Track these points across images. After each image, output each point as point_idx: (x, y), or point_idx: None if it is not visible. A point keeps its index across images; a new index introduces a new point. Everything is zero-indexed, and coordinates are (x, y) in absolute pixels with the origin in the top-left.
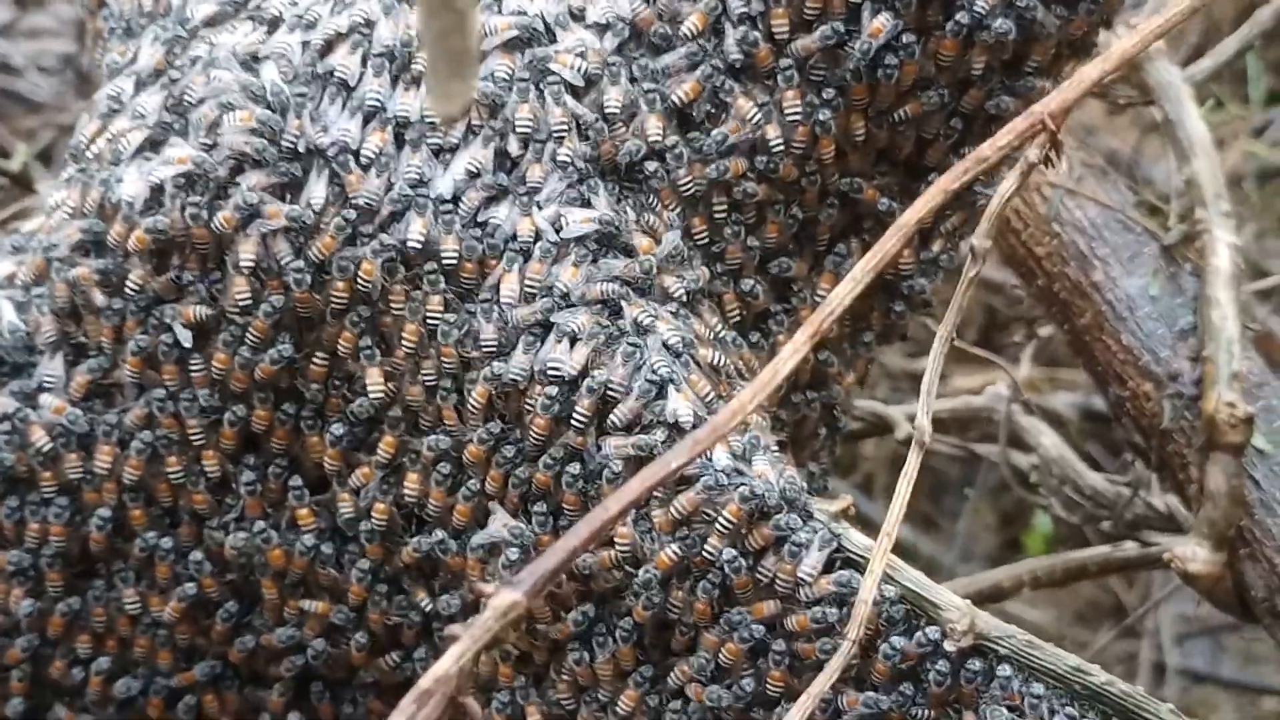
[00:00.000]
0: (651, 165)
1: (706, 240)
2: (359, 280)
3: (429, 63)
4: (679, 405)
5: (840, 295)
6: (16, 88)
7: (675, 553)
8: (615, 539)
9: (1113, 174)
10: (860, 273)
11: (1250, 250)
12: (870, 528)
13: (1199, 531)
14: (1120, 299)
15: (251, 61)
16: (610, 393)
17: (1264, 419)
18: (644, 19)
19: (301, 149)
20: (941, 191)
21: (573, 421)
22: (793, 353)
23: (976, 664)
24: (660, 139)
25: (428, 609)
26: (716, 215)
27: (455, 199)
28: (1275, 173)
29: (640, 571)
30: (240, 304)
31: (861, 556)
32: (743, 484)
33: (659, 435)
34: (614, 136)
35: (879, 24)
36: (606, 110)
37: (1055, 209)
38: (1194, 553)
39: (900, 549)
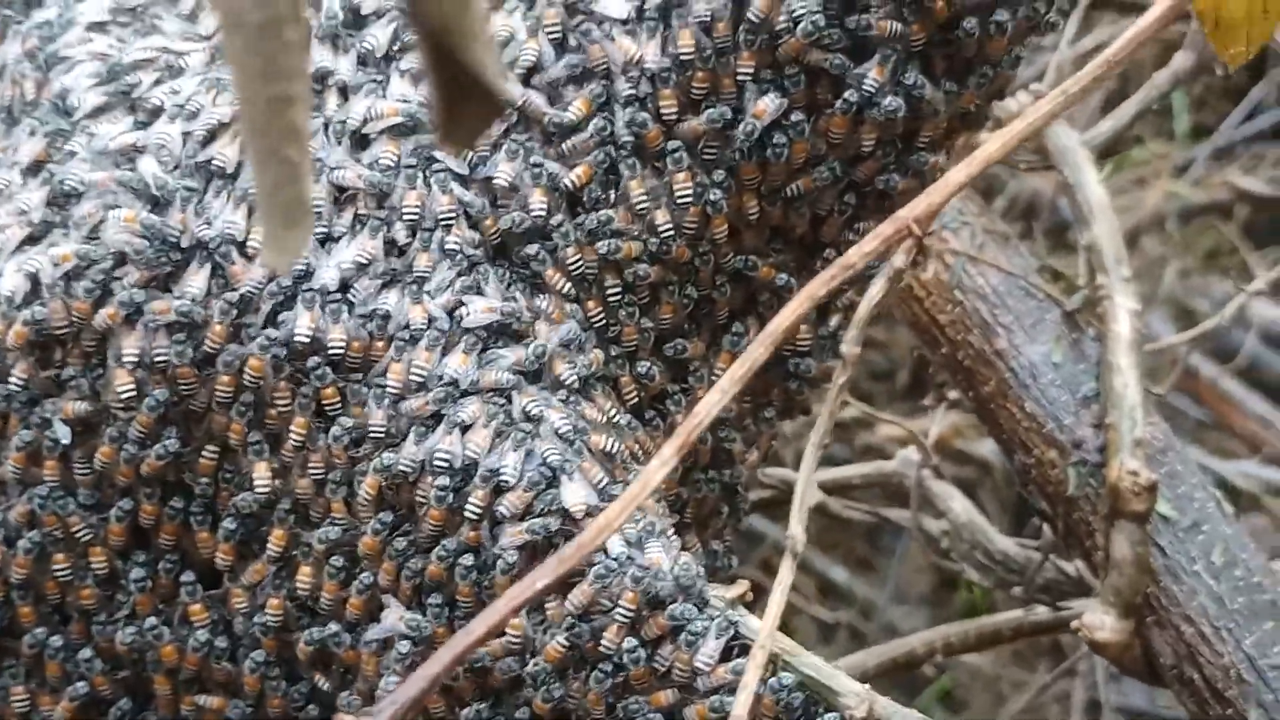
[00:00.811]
0: (534, 248)
1: (601, 323)
2: (246, 376)
3: (262, 213)
4: (571, 495)
5: (709, 406)
6: None
7: (563, 645)
8: (508, 630)
9: (1014, 240)
10: (728, 383)
11: (1175, 290)
12: (809, 571)
13: (1105, 599)
14: (1023, 366)
15: (131, 153)
16: (502, 481)
17: (1168, 485)
18: (533, 109)
19: (185, 244)
20: (809, 298)
21: (466, 514)
22: (661, 465)
23: None
24: (544, 215)
25: (325, 688)
26: (610, 298)
27: (342, 289)
28: (1198, 211)
29: (530, 663)
30: (123, 399)
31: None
32: (634, 569)
33: (553, 522)
34: (498, 213)
35: (763, 106)
36: (495, 182)
37: (957, 276)
38: (1101, 621)
39: (836, 591)
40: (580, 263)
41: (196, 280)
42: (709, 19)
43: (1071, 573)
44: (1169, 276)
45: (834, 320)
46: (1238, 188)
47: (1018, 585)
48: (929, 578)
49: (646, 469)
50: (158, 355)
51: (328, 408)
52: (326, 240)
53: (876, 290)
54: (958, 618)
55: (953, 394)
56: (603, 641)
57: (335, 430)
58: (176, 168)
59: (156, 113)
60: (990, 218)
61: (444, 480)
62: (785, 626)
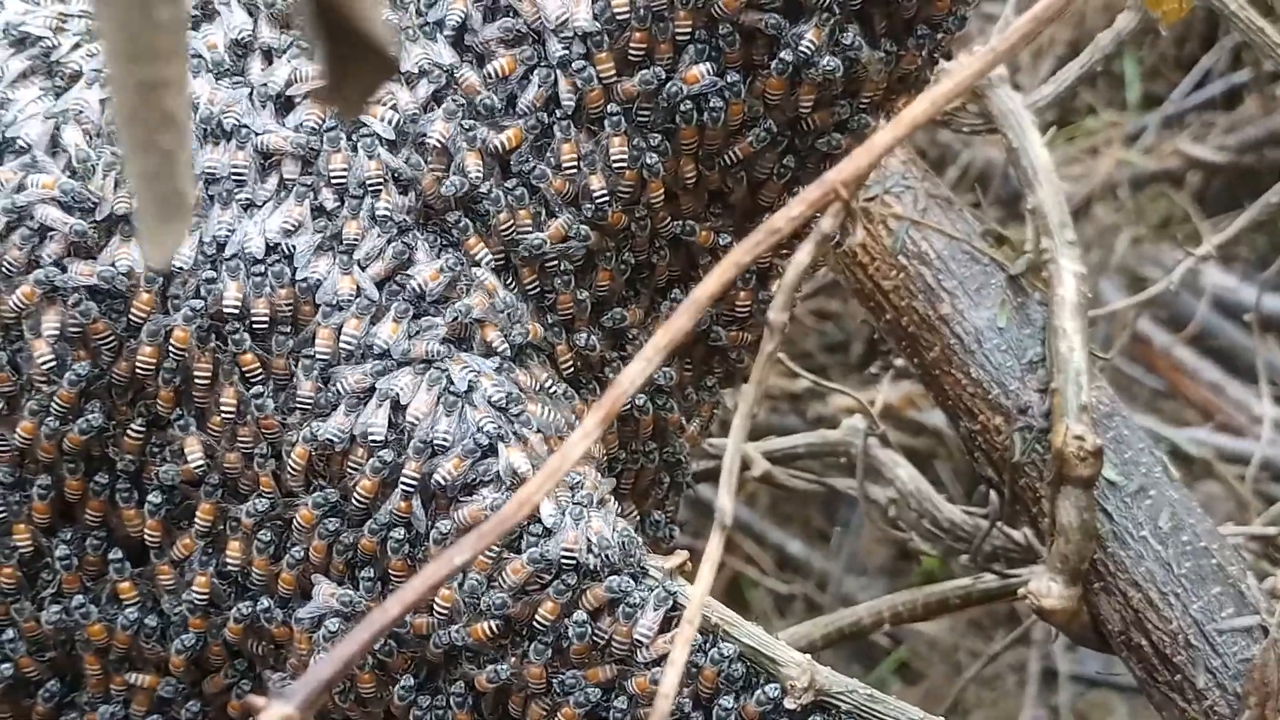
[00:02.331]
0: (454, 215)
1: (537, 291)
2: (171, 348)
3: (137, 204)
4: (515, 459)
5: (632, 375)
6: None
7: (492, 629)
8: (436, 600)
9: (958, 204)
10: (652, 351)
11: (1128, 258)
12: (765, 544)
13: (1052, 566)
14: (968, 331)
15: (52, 120)
16: (438, 446)
17: (1114, 450)
18: (467, 83)
19: (100, 216)
20: (734, 265)
21: (401, 485)
22: (583, 437)
23: None
24: (480, 178)
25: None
26: (547, 264)
27: (269, 258)
28: (1150, 179)
29: (453, 635)
30: (44, 369)
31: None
32: (575, 546)
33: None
34: (433, 170)
35: (696, 73)
36: (428, 141)
37: (900, 241)
38: (1048, 587)
39: (792, 563)
40: (512, 229)
41: (127, 251)
42: None
43: (1020, 540)
44: (1121, 245)
45: (774, 286)
46: (1188, 155)
47: (965, 553)
48: (887, 549)
49: (568, 440)
50: (74, 321)
51: (248, 375)
52: (250, 206)
53: (803, 255)
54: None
55: (899, 361)
56: (540, 614)
57: (257, 400)
58: (98, 135)
59: (74, 79)
60: (934, 182)
61: (386, 454)
62: (740, 599)
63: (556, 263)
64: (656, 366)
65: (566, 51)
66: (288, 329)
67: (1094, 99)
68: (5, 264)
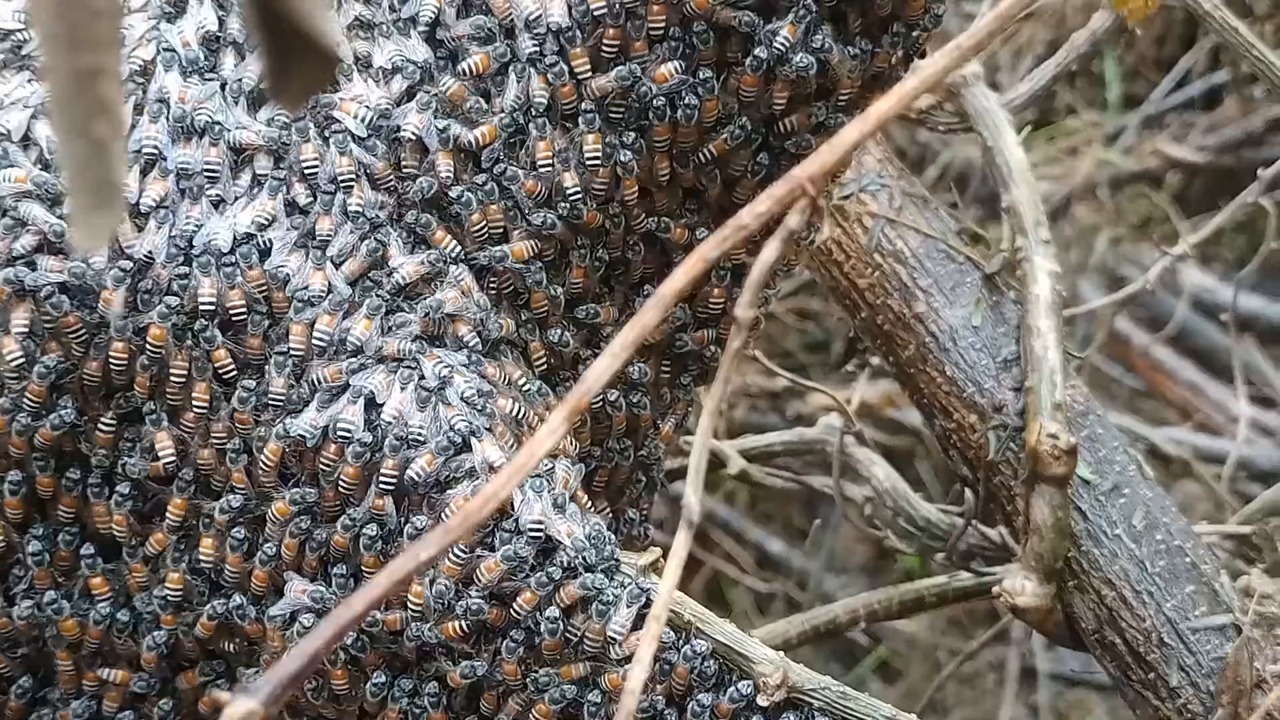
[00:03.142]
0: (413, 215)
1: (511, 289)
2: (148, 345)
3: (69, 192)
4: (489, 451)
5: (599, 370)
6: None
7: (464, 627)
8: (409, 597)
9: (933, 202)
10: (619, 347)
11: (1107, 258)
12: (745, 542)
13: (1026, 564)
14: (943, 330)
15: (29, 111)
16: (412, 439)
17: (1089, 448)
18: (452, 91)
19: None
20: (701, 260)
21: (379, 483)
22: (549, 433)
23: (791, 718)
24: (451, 178)
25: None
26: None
27: (240, 252)
28: (1130, 179)
29: (425, 632)
30: (12, 366)
31: (671, 610)
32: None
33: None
34: (403, 163)
35: (665, 71)
36: (402, 134)
37: (876, 240)
38: (1022, 585)
39: (772, 563)
40: (485, 229)
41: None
42: None
43: (995, 538)
44: (1101, 244)
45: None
46: (1168, 155)
47: (941, 552)
48: (867, 548)
49: (535, 437)
50: (45, 316)
51: (221, 371)
52: (220, 203)
53: (769, 252)
54: None
55: (876, 360)
56: (517, 603)
57: (240, 393)
58: None
59: None
60: (910, 181)
61: (367, 437)
62: (720, 598)
63: (528, 260)
64: (624, 362)
65: (538, 48)
66: (264, 310)
67: (1074, 99)
68: None
